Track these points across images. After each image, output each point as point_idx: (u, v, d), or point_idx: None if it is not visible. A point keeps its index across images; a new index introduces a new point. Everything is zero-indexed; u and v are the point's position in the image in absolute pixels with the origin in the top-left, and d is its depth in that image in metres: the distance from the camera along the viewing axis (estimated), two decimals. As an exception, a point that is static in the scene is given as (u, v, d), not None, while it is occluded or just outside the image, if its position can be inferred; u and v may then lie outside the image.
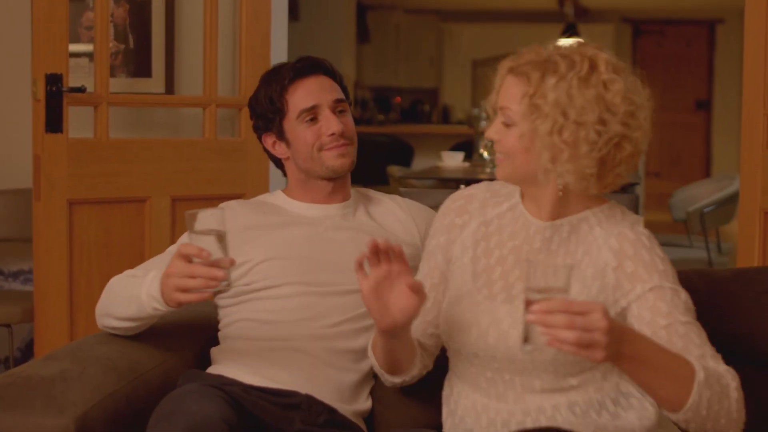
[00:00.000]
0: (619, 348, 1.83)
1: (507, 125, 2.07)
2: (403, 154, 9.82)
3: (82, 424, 2.06)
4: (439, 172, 6.63)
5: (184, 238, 2.19)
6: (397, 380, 2.27)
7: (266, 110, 2.55)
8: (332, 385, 2.38)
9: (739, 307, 2.47)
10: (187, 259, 2.10)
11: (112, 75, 3.95)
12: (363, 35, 12.38)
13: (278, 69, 2.59)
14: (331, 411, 2.33)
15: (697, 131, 13.43)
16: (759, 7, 3.46)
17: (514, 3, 13.12)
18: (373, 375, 2.45)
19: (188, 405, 2.09)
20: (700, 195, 6.27)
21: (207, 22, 4.03)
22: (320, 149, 2.52)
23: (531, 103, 2.02)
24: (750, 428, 2.33)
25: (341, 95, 2.57)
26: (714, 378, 1.94)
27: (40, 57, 3.62)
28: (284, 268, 2.45)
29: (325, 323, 2.42)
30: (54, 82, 3.62)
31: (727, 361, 2.13)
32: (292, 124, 2.53)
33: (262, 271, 2.45)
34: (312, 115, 2.52)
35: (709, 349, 2.03)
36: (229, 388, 2.23)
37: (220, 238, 2.09)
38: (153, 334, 2.48)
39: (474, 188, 2.29)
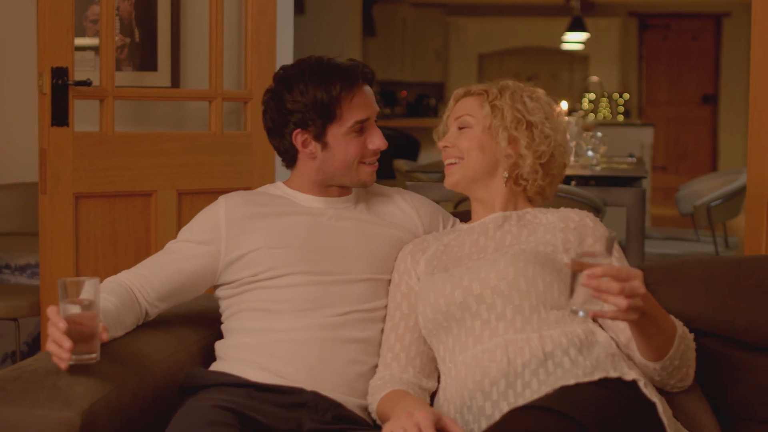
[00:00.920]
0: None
1: (461, 128, 2.47)
2: (410, 148, 9.81)
3: (88, 417, 2.06)
4: (445, 166, 6.60)
5: (53, 309, 2.13)
6: None
7: (311, 110, 2.47)
8: (339, 377, 2.37)
9: (738, 294, 2.49)
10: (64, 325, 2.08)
11: (118, 69, 3.95)
12: (369, 29, 12.36)
13: (329, 70, 2.49)
14: (338, 406, 2.33)
15: (703, 125, 13.41)
16: (766, 0, 3.45)
17: (520, -3, 13.12)
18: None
19: None
20: (706, 189, 6.25)
21: (213, 15, 4.03)
22: (360, 162, 2.50)
23: (491, 105, 2.44)
24: (750, 413, 2.35)
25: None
26: (684, 332, 2.21)
27: (46, 50, 3.62)
28: (288, 257, 2.44)
29: (332, 312, 2.42)
30: (60, 75, 3.61)
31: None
32: (339, 132, 2.48)
33: (264, 260, 2.44)
34: (362, 126, 2.49)
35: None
36: (235, 399, 2.23)
37: (90, 308, 2.09)
38: (159, 327, 2.49)
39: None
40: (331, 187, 2.56)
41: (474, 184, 2.48)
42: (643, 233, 5.04)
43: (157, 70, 4.28)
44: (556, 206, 2.51)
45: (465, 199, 4.21)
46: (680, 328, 2.19)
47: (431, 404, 2.37)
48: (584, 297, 1.93)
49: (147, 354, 2.36)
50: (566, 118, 6.84)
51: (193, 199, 3.91)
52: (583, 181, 5.28)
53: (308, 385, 2.34)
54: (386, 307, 2.49)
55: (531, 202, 2.52)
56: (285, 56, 4.36)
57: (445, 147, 2.49)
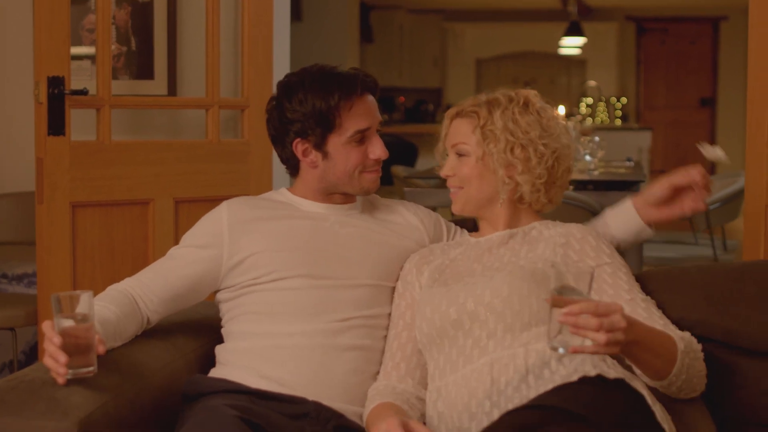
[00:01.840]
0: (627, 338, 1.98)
1: (460, 156, 2.44)
2: (408, 154, 9.81)
3: (85, 427, 2.05)
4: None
5: (48, 324, 2.11)
6: None
7: (310, 119, 2.46)
8: (339, 385, 2.37)
9: (738, 300, 2.49)
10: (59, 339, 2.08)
11: (115, 77, 3.94)
12: (366, 35, 12.38)
13: (328, 79, 2.48)
14: (339, 416, 2.32)
15: (701, 129, 13.42)
16: (763, 3, 3.44)
17: (517, 2, 13.12)
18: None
19: None
20: (705, 193, 6.24)
21: (209, 23, 4.03)
22: (362, 171, 2.50)
23: (483, 132, 2.41)
24: (751, 418, 2.35)
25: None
26: (689, 344, 2.19)
27: (42, 60, 3.61)
28: (289, 260, 2.44)
29: (333, 318, 2.41)
30: (56, 84, 3.61)
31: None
32: (339, 141, 2.47)
33: (266, 263, 2.44)
34: (363, 136, 2.49)
35: (668, 321, 2.28)
36: (242, 405, 2.22)
37: (84, 321, 2.09)
38: (156, 335, 2.48)
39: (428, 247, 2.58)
40: (334, 194, 2.55)
41: (480, 208, 2.47)
42: (641, 237, 5.03)
43: (153, 79, 4.27)
44: (557, 210, 2.51)
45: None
46: (682, 342, 2.17)
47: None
48: (564, 332, 1.93)
49: (144, 363, 2.35)
50: (564, 122, 6.84)
51: (191, 207, 3.91)
52: (581, 185, 5.28)
53: (309, 394, 2.33)
54: (388, 315, 2.48)
55: (539, 212, 2.52)
56: (282, 64, 4.36)
57: (448, 176, 2.49)
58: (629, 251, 4.89)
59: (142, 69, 4.25)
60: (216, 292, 2.53)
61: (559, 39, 11.98)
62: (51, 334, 2.07)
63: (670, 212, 2.51)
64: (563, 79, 13.89)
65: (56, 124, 3.63)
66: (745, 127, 3.52)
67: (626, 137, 10.51)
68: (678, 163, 11.82)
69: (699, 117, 13.47)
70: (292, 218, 2.51)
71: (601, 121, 12.30)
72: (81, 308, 2.09)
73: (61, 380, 2.08)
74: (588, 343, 1.92)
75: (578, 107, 12.30)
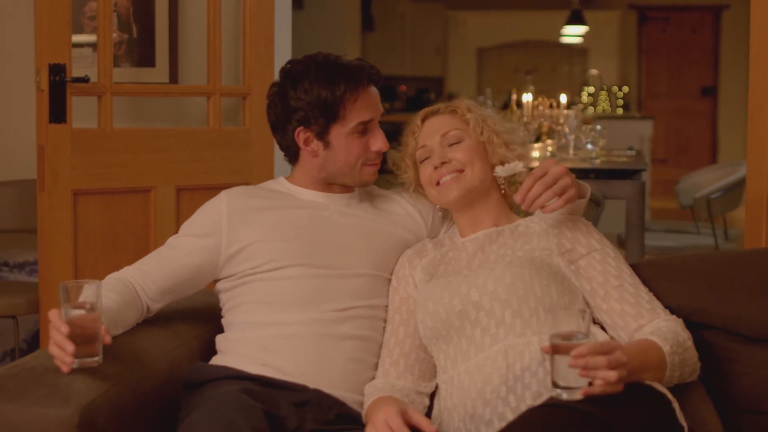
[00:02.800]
0: None
1: (452, 145, 2.44)
2: (409, 143, 9.78)
3: (86, 414, 2.05)
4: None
5: (55, 312, 2.11)
6: None
7: (314, 108, 2.45)
8: (339, 374, 2.37)
9: (739, 288, 2.49)
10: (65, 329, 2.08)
11: (116, 65, 3.94)
12: (368, 24, 12.35)
13: (335, 69, 2.47)
14: (341, 404, 2.33)
15: (703, 118, 13.40)
16: (765, -8, 3.44)
17: (519, -10, 13.10)
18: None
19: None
20: (706, 181, 6.24)
21: (210, 10, 4.02)
22: (363, 163, 2.50)
23: (475, 117, 2.46)
24: (753, 406, 2.35)
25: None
26: (674, 340, 2.19)
27: (44, 47, 3.61)
28: (288, 249, 2.44)
29: (331, 307, 2.41)
30: (57, 72, 3.60)
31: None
32: (342, 132, 2.47)
33: (264, 252, 2.43)
34: (365, 127, 2.48)
35: (657, 304, 2.31)
36: (246, 388, 2.22)
37: (92, 311, 2.09)
38: (158, 323, 2.48)
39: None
40: (333, 184, 2.55)
41: (475, 197, 2.45)
42: (642, 226, 5.04)
43: (155, 66, 4.27)
44: None
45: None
46: (667, 344, 2.17)
47: (431, 408, 2.37)
48: (568, 378, 1.93)
49: (145, 351, 2.35)
50: (566, 111, 6.84)
51: (192, 195, 3.90)
52: (582, 174, 5.27)
53: (310, 382, 2.34)
54: (386, 306, 2.48)
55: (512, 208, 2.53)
56: (283, 52, 4.36)
57: (443, 164, 2.44)
58: (631, 240, 4.90)
59: (144, 56, 4.25)
60: (216, 281, 2.53)
61: (560, 27, 11.95)
62: (58, 323, 2.07)
63: None
64: (565, 67, 13.87)
65: (57, 112, 3.63)
66: (747, 116, 3.51)
67: (628, 126, 10.48)
68: (679, 152, 11.72)
69: (700, 106, 13.45)
70: (291, 208, 2.51)
71: (603, 110, 12.28)
72: (88, 298, 2.09)
73: (66, 369, 2.09)
74: (598, 382, 1.93)
75: (580, 96, 12.28)
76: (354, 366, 2.39)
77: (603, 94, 12.60)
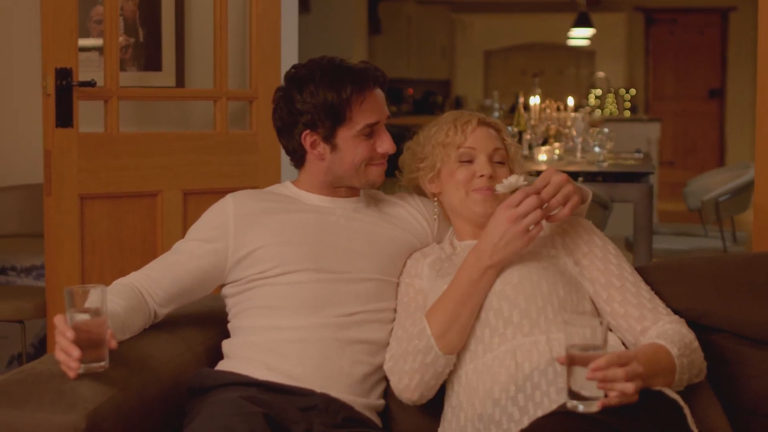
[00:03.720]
0: None
1: (498, 162, 2.46)
2: (416, 146, 9.78)
3: (92, 420, 2.04)
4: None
5: (60, 318, 2.10)
6: (441, 360, 2.29)
7: (320, 112, 2.45)
8: (346, 377, 2.36)
9: (747, 291, 2.48)
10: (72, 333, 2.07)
11: (122, 69, 3.94)
12: (375, 27, 12.35)
13: (340, 72, 2.47)
14: (348, 408, 2.32)
15: (710, 120, 13.38)
16: (773, -7, 3.43)
17: (525, -7, 13.09)
18: (385, 376, 2.43)
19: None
20: (714, 184, 6.23)
21: (217, 14, 4.02)
22: (368, 164, 2.49)
23: (514, 147, 2.54)
24: (763, 409, 2.35)
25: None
26: (681, 342, 2.20)
27: (50, 51, 3.61)
28: (295, 254, 2.43)
29: (339, 312, 2.41)
30: (64, 76, 3.61)
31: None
32: (349, 134, 2.46)
33: (271, 257, 2.43)
34: (372, 130, 2.48)
35: (659, 303, 2.32)
36: (250, 396, 2.22)
37: (97, 316, 2.08)
38: (164, 328, 2.48)
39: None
40: (339, 188, 2.55)
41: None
42: (650, 229, 5.03)
43: (161, 70, 4.28)
44: None
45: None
46: (675, 347, 2.18)
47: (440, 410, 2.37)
48: (585, 388, 1.92)
49: (152, 356, 2.35)
50: (573, 114, 6.83)
51: (199, 199, 3.90)
52: (590, 177, 5.26)
53: (317, 387, 2.33)
54: (394, 309, 2.47)
55: None
56: (290, 55, 4.35)
57: (490, 177, 2.43)
58: (639, 243, 4.89)
59: (150, 60, 4.25)
60: (222, 286, 2.52)
61: (567, 30, 11.94)
62: (64, 328, 2.07)
63: None
64: (572, 70, 13.86)
65: (64, 116, 3.63)
66: (755, 118, 3.50)
67: (635, 128, 10.48)
68: (687, 154, 11.71)
69: (708, 108, 13.43)
70: (298, 212, 2.51)
71: (610, 113, 12.28)
72: (94, 303, 2.09)
73: (72, 374, 2.08)
74: (614, 394, 1.92)
75: (587, 99, 12.28)
76: (361, 369, 2.39)
77: (610, 97, 12.59)
